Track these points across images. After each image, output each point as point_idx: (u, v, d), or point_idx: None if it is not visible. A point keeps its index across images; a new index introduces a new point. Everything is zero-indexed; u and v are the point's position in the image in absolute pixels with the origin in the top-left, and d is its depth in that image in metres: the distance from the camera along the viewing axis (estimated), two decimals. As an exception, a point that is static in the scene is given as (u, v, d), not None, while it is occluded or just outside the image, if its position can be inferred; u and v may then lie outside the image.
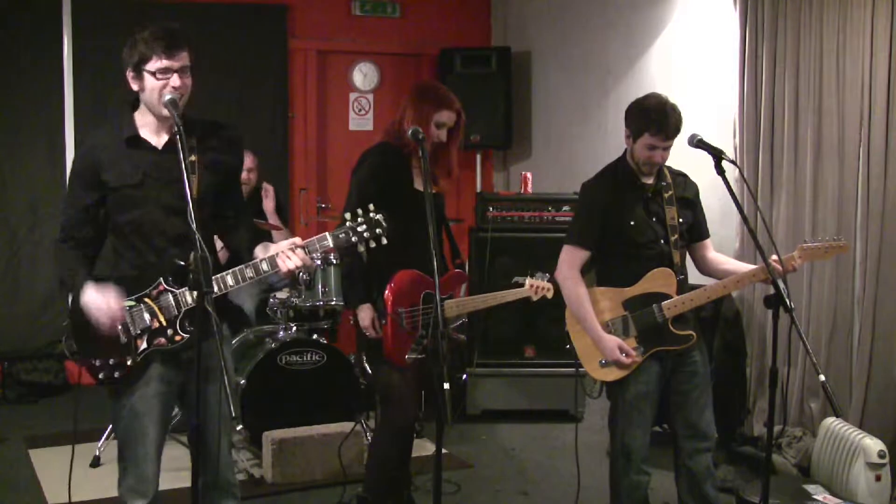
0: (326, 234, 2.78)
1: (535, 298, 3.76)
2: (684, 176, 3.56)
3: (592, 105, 6.46)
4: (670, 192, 3.45)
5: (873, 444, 3.97)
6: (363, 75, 7.32)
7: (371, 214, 2.78)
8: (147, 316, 2.76)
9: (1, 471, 4.63)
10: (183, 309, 2.77)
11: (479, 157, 7.44)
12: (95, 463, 4.61)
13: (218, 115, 6.76)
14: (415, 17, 7.40)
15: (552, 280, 3.68)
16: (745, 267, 3.48)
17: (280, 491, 4.34)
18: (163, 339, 2.77)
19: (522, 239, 5.47)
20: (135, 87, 2.79)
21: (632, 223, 3.41)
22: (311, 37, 7.11)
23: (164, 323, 2.77)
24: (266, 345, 4.77)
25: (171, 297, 2.76)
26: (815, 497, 3.93)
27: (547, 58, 7.07)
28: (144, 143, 2.84)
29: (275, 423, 4.53)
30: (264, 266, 2.76)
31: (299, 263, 2.73)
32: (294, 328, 4.88)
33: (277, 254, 2.75)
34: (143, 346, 2.76)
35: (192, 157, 2.80)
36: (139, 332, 2.76)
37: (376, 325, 3.58)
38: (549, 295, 3.73)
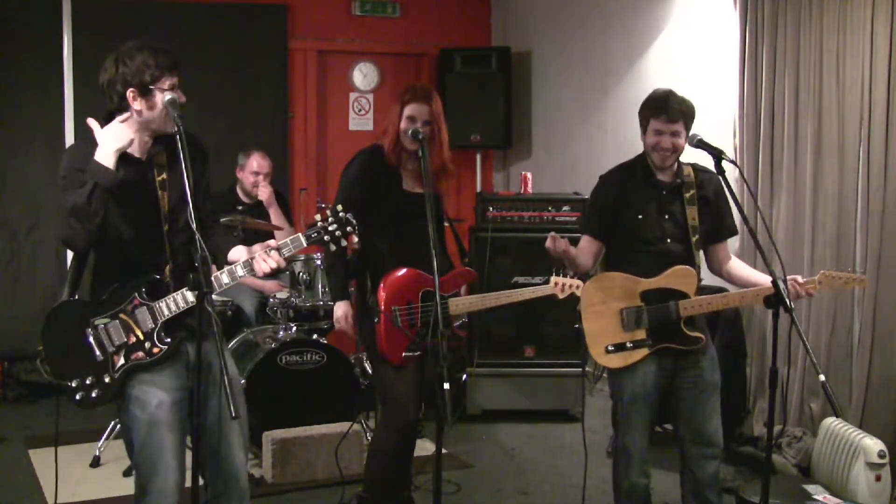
0: (300, 234, 2.84)
1: (561, 296, 3.63)
2: (710, 173, 3.49)
3: (592, 105, 6.46)
4: (692, 192, 3.43)
5: (873, 444, 3.97)
6: (363, 75, 7.32)
7: (341, 214, 2.85)
8: (122, 331, 2.78)
9: (1, 471, 4.63)
10: (160, 321, 2.79)
11: (479, 157, 7.44)
12: (95, 463, 4.61)
13: (218, 114, 6.87)
14: (415, 17, 7.40)
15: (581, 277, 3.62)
16: (762, 277, 3.42)
17: (280, 491, 4.33)
18: (141, 353, 2.78)
19: (522, 239, 5.47)
20: (136, 105, 2.76)
21: (639, 217, 3.42)
22: (311, 37, 7.11)
23: (141, 337, 2.78)
24: (266, 345, 4.77)
25: (146, 310, 2.79)
26: (815, 497, 3.92)
27: (547, 58, 7.07)
28: (130, 157, 2.82)
29: (275, 423, 4.53)
30: (240, 270, 2.81)
31: (274, 265, 2.79)
32: (294, 328, 4.88)
33: (254, 257, 2.80)
34: (121, 361, 2.77)
35: (164, 175, 2.85)
36: (115, 348, 2.77)
37: (349, 321, 3.66)
38: (580, 292, 3.56)
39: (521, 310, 5.46)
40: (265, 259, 2.78)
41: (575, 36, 6.66)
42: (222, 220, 4.78)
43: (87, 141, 2.80)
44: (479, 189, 7.29)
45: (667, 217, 3.43)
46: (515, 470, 4.75)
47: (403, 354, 3.48)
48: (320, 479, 4.41)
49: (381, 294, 3.47)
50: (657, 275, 3.38)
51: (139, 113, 2.77)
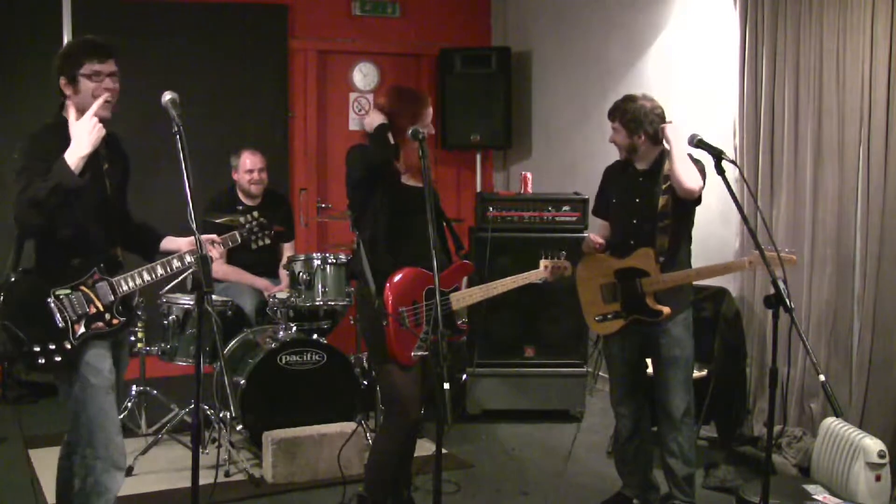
0: (235, 232, 3.37)
1: (551, 278, 3.79)
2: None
3: (592, 105, 6.46)
4: (668, 184, 3.73)
5: (873, 444, 3.97)
6: (363, 75, 7.32)
7: (260, 219, 3.44)
8: (84, 302, 3.01)
9: (1, 471, 4.63)
10: (119, 295, 3.06)
11: (479, 157, 7.44)
12: (95, 463, 4.61)
13: (218, 114, 6.86)
14: (415, 17, 7.40)
15: (568, 258, 3.88)
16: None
17: (280, 491, 4.33)
18: (100, 324, 3.04)
19: (522, 239, 5.46)
20: (67, 92, 3.02)
21: (614, 201, 3.94)
22: (311, 37, 7.11)
23: (101, 308, 3.04)
24: (266, 345, 4.77)
25: (106, 284, 3.05)
26: (815, 497, 3.93)
27: (547, 58, 7.07)
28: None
29: (275, 423, 4.53)
30: (188, 258, 3.13)
31: (216, 256, 3.24)
32: (294, 328, 4.88)
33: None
34: (82, 329, 3.00)
35: (107, 165, 3.10)
36: (76, 317, 2.99)
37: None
38: (568, 273, 3.85)
39: (521, 310, 5.49)
40: (210, 249, 3.16)
41: (575, 36, 6.66)
42: (222, 220, 4.82)
43: (48, 129, 3.02)
44: (479, 189, 7.30)
45: (638, 200, 3.83)
46: (515, 470, 4.75)
47: (413, 354, 3.48)
48: (320, 478, 4.41)
49: (388, 296, 3.47)
50: (628, 249, 3.83)
51: (71, 97, 3.02)
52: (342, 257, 4.89)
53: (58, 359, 2.95)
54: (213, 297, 2.72)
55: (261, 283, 5.36)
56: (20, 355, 2.94)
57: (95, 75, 2.99)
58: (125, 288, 3.06)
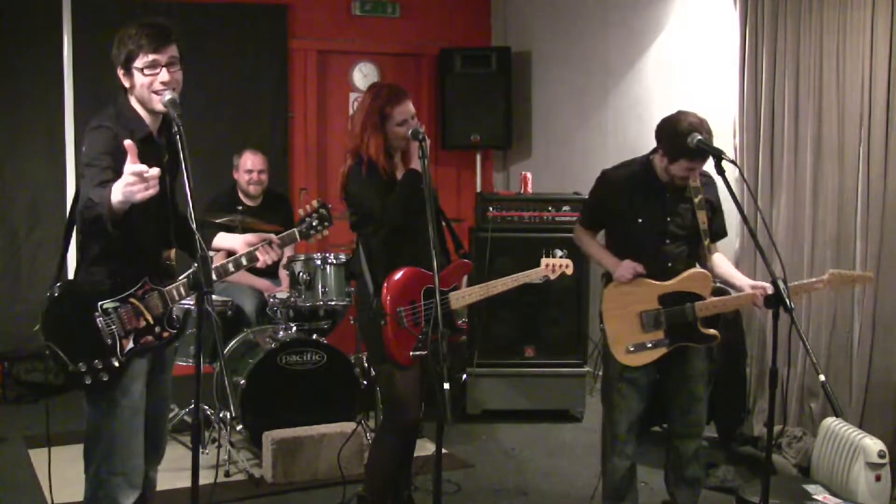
0: (294, 230, 3.13)
1: (553, 277, 3.71)
2: (708, 176, 3.61)
3: (592, 105, 6.46)
4: (700, 197, 3.55)
5: (873, 444, 3.97)
6: (363, 75, 7.32)
7: (321, 209, 3.19)
8: (133, 315, 2.79)
9: (1, 471, 4.63)
10: (171, 306, 2.83)
11: (479, 157, 7.44)
12: (95, 463, 4.60)
13: (218, 114, 6.86)
14: (415, 17, 7.40)
15: (570, 256, 3.77)
16: (740, 277, 3.60)
17: (280, 491, 4.33)
18: (150, 338, 2.82)
19: (522, 239, 5.46)
20: (126, 83, 2.80)
21: (639, 221, 3.55)
22: (311, 37, 7.11)
23: (151, 321, 2.81)
24: (266, 345, 4.77)
25: (157, 294, 2.81)
26: (815, 497, 3.93)
27: (547, 58, 7.07)
28: (150, 137, 2.83)
29: (275, 423, 4.52)
30: (244, 260, 2.96)
31: (276, 258, 3.01)
32: (294, 328, 4.88)
33: (257, 248, 2.97)
34: (130, 345, 2.79)
35: (167, 156, 2.88)
36: (125, 332, 2.78)
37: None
38: (570, 271, 3.72)
39: (521, 310, 5.49)
40: (267, 251, 2.97)
41: (575, 36, 6.66)
42: (222, 220, 4.82)
43: (105, 125, 2.75)
44: (479, 189, 7.29)
45: (669, 220, 3.55)
46: (515, 470, 4.75)
47: (411, 354, 3.47)
48: (320, 478, 4.41)
49: (385, 296, 3.46)
50: (656, 274, 3.53)
51: (130, 90, 2.80)
52: (342, 257, 4.89)
53: (105, 378, 2.76)
54: (213, 297, 2.63)
55: (262, 283, 5.36)
56: (66, 378, 2.75)
57: (150, 67, 2.72)
58: (177, 297, 2.80)
